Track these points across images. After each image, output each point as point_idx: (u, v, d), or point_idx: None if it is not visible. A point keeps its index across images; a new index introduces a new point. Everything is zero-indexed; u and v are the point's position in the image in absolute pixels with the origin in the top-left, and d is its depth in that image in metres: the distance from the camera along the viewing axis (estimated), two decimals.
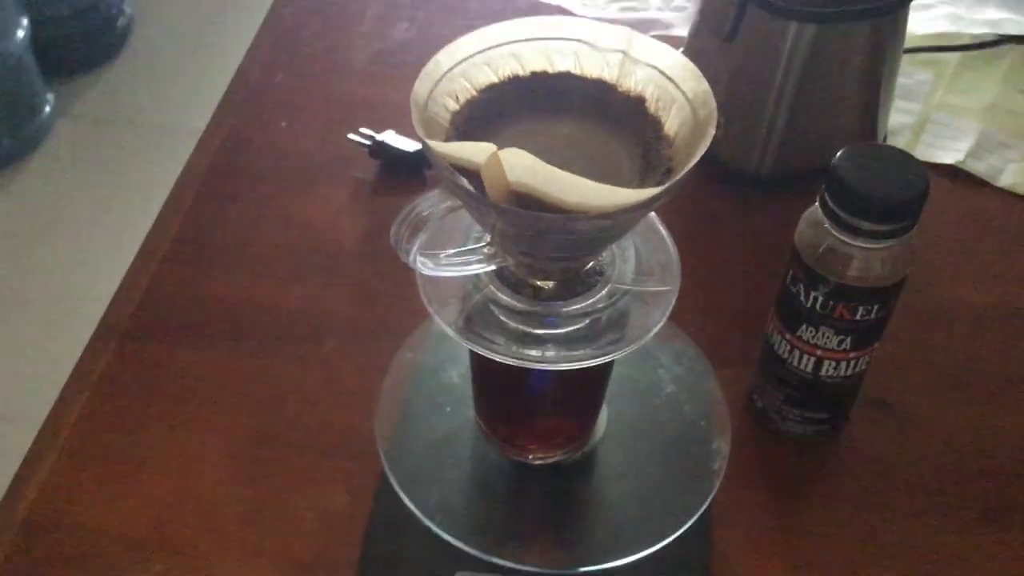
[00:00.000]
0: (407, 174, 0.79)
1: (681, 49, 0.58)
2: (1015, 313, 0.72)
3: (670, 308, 0.46)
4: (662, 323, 0.46)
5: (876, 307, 0.56)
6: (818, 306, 0.56)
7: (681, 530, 0.52)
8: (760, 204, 0.77)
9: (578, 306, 0.46)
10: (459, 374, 0.59)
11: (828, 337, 0.58)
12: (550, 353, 0.45)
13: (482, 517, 0.54)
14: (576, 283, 0.47)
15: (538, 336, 0.46)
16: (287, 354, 0.68)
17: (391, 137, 0.79)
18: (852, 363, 0.59)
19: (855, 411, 0.64)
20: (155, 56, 2.17)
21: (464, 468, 0.57)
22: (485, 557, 0.51)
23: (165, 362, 0.67)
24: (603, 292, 0.47)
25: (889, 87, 0.79)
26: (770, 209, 0.74)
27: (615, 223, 0.41)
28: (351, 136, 0.80)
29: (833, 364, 0.59)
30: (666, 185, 0.39)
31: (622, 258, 0.48)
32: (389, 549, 0.53)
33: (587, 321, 0.46)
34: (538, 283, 0.47)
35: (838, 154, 0.54)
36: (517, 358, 0.44)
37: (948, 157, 0.82)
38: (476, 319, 0.46)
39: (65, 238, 1.82)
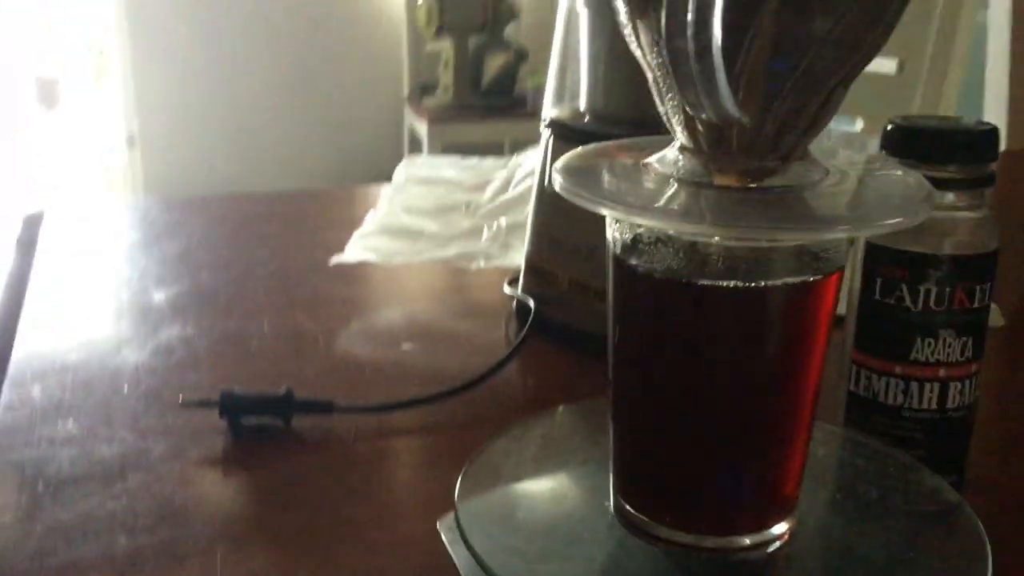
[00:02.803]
0: (264, 430, 0.59)
1: None
2: None
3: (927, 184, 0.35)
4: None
5: (989, 284, 0.48)
6: (932, 301, 0.47)
7: None
8: None
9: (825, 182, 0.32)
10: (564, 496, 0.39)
11: (950, 344, 0.47)
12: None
13: None
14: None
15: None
16: None
17: (239, 389, 0.60)
18: (973, 382, 0.49)
19: None
20: None
21: None
22: None
23: None
24: (830, 178, 0.34)
25: None
26: None
27: None
28: (184, 401, 0.59)
29: (959, 387, 0.48)
30: None
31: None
32: None
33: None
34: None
35: (887, 128, 0.48)
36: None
37: None
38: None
39: None
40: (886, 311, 0.48)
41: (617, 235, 0.35)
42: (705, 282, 0.33)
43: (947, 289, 0.47)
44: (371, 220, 0.83)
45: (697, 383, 0.36)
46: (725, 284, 0.33)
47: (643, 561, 0.36)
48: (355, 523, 0.51)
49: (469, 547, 0.36)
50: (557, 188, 0.34)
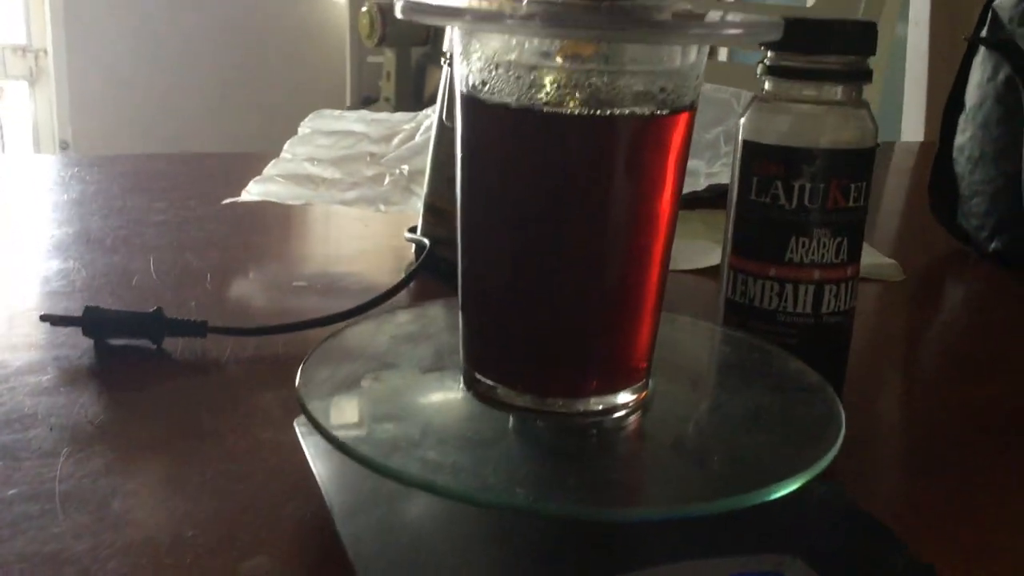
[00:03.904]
0: (133, 351, 0.57)
1: None
2: None
3: None
4: None
5: (864, 184, 0.47)
6: (807, 198, 0.46)
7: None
8: None
9: None
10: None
11: (825, 244, 0.47)
12: None
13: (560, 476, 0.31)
14: None
15: None
16: None
17: (105, 307, 0.57)
18: (849, 287, 0.48)
19: None
20: None
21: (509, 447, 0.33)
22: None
23: None
24: None
25: None
26: None
27: None
28: (44, 316, 0.56)
29: (834, 290, 0.47)
30: None
31: None
32: None
33: None
34: None
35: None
36: None
37: None
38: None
39: None
40: (761, 210, 0.47)
41: (464, 71, 0.34)
42: (549, 109, 0.32)
43: (821, 185, 0.46)
44: (271, 167, 0.81)
45: (544, 226, 0.34)
46: (570, 112, 0.31)
47: (489, 424, 0.35)
48: (215, 434, 0.49)
49: (305, 410, 0.34)
50: (399, 13, 0.32)
